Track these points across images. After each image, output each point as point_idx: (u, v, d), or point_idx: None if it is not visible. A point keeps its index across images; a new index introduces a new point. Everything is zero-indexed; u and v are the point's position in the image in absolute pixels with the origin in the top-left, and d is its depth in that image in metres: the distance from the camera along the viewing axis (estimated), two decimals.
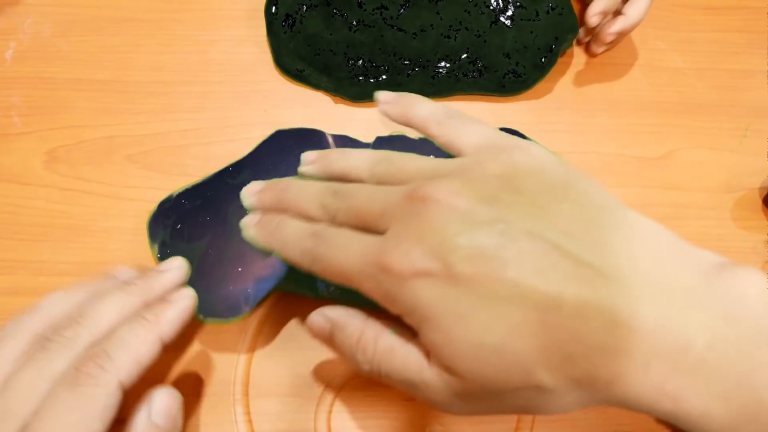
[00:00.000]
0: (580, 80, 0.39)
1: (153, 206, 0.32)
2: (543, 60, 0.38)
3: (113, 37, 0.38)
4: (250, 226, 0.26)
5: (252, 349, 0.30)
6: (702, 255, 0.21)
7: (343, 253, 0.22)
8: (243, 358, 0.30)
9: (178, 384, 0.29)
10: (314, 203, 0.25)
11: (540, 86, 0.38)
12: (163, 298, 0.25)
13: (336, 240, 0.23)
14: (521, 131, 0.36)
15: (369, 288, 0.21)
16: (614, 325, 0.18)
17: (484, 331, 0.19)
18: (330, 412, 0.29)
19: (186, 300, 0.25)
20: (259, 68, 0.38)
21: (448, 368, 0.20)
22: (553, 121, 0.37)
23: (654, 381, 0.18)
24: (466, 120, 0.26)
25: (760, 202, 0.35)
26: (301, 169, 0.27)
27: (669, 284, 0.19)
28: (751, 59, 0.40)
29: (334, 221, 0.24)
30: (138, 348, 0.22)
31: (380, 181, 0.25)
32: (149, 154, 0.35)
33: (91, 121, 0.36)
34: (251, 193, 0.27)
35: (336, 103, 0.37)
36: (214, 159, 0.35)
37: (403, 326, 0.22)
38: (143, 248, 0.32)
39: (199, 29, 0.39)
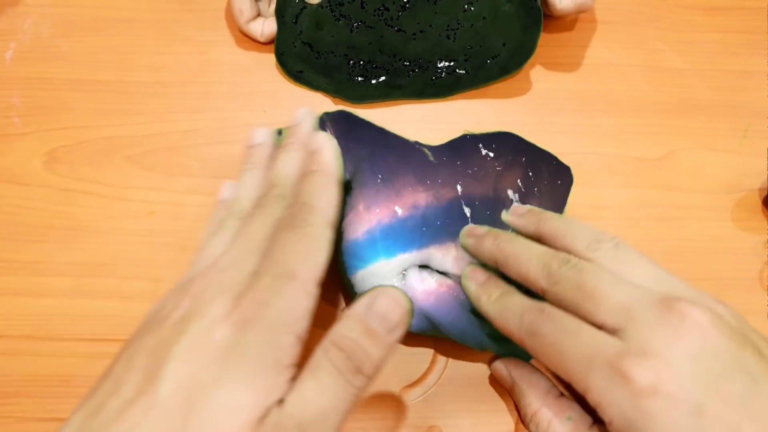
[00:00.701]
0: (580, 81, 0.39)
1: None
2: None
3: (113, 37, 0.38)
4: (472, 282, 0.27)
5: None
6: None
7: (572, 340, 0.21)
8: None
9: None
10: (538, 265, 0.24)
11: (540, 87, 0.38)
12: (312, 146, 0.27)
13: (565, 323, 0.22)
14: (521, 132, 0.36)
15: (593, 384, 0.20)
16: None
17: None
18: None
19: (328, 140, 0.27)
20: (259, 69, 0.38)
21: None
22: (553, 122, 0.37)
23: None
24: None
25: (759, 203, 0.35)
26: (508, 218, 0.28)
27: None
28: (751, 60, 0.40)
29: (554, 290, 0.23)
30: (326, 193, 0.25)
31: (601, 265, 0.23)
32: (149, 155, 0.35)
33: (91, 121, 0.36)
34: (471, 235, 0.28)
35: (336, 104, 0.37)
36: (214, 159, 0.35)
37: (582, 412, 0.23)
38: (143, 248, 0.32)
39: (200, 30, 0.39)
